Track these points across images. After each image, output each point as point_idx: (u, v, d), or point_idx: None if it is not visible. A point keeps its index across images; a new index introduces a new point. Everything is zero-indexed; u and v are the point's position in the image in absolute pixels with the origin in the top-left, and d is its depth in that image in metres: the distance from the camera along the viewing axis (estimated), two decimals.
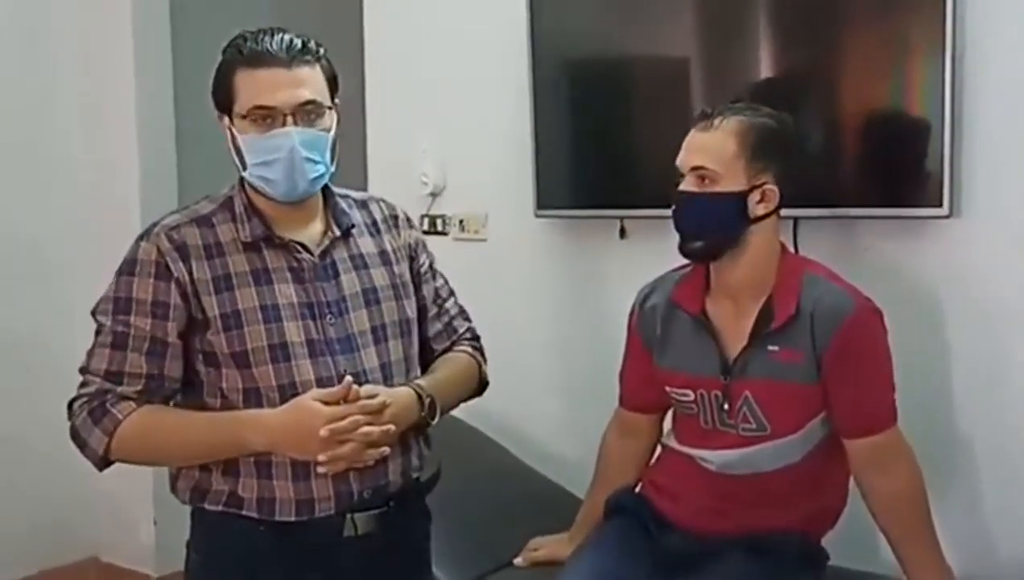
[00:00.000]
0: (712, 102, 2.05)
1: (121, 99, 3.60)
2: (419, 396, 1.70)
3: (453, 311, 1.89)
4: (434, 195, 2.97)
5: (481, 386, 1.89)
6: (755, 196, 1.86)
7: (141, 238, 1.66)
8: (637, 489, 2.13)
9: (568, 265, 2.75)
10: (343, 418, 1.57)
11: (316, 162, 1.64)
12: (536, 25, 2.63)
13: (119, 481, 3.53)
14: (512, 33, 2.67)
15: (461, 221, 2.93)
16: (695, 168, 1.87)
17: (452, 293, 1.90)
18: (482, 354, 1.90)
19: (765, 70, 2.35)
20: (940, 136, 2.05)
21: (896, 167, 2.17)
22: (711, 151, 1.85)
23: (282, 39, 1.62)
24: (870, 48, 2.19)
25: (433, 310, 1.85)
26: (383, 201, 1.86)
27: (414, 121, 2.93)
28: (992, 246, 2.10)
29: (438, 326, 1.85)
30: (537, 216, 2.70)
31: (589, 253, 2.70)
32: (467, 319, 1.92)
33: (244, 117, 1.62)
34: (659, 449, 2.14)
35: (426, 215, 2.97)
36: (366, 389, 1.62)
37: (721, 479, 1.95)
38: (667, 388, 2.01)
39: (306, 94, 1.61)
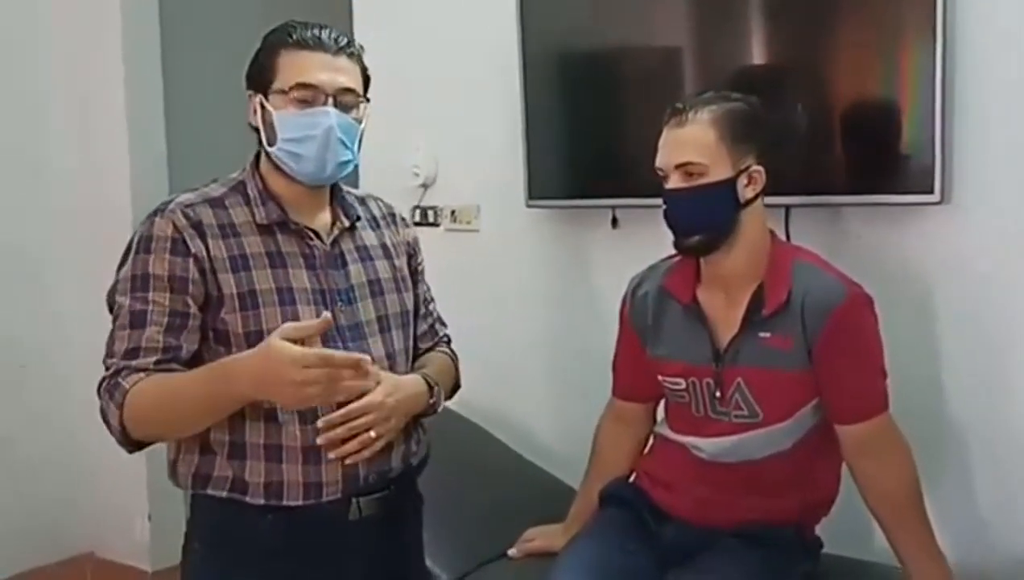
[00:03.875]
0: (704, 90, 2.03)
1: (111, 103, 3.60)
2: (429, 386, 1.74)
3: (436, 314, 1.95)
4: (426, 186, 2.96)
5: (456, 388, 1.93)
6: (743, 180, 1.86)
7: (154, 215, 1.65)
8: (631, 479, 2.13)
9: (560, 255, 2.75)
10: (311, 361, 1.47)
11: (346, 148, 1.69)
12: (526, 15, 2.63)
13: (114, 477, 3.59)
14: (503, 23, 2.66)
15: (453, 212, 2.93)
16: (681, 165, 1.85)
17: (433, 298, 1.95)
18: (456, 359, 1.94)
19: (757, 58, 2.35)
20: (931, 122, 2.04)
21: (887, 154, 2.17)
22: (694, 144, 1.84)
23: (329, 32, 1.69)
24: (861, 35, 2.18)
25: (422, 310, 1.90)
26: (380, 200, 1.91)
27: (405, 113, 2.92)
28: (983, 232, 2.10)
29: (424, 326, 1.90)
30: (529, 206, 2.70)
31: (581, 243, 2.69)
32: (444, 324, 1.97)
33: (284, 93, 1.66)
34: (652, 438, 2.14)
35: (418, 206, 2.97)
36: (373, 369, 1.63)
37: (714, 468, 1.95)
38: (659, 377, 2.01)
39: (346, 81, 1.68)
